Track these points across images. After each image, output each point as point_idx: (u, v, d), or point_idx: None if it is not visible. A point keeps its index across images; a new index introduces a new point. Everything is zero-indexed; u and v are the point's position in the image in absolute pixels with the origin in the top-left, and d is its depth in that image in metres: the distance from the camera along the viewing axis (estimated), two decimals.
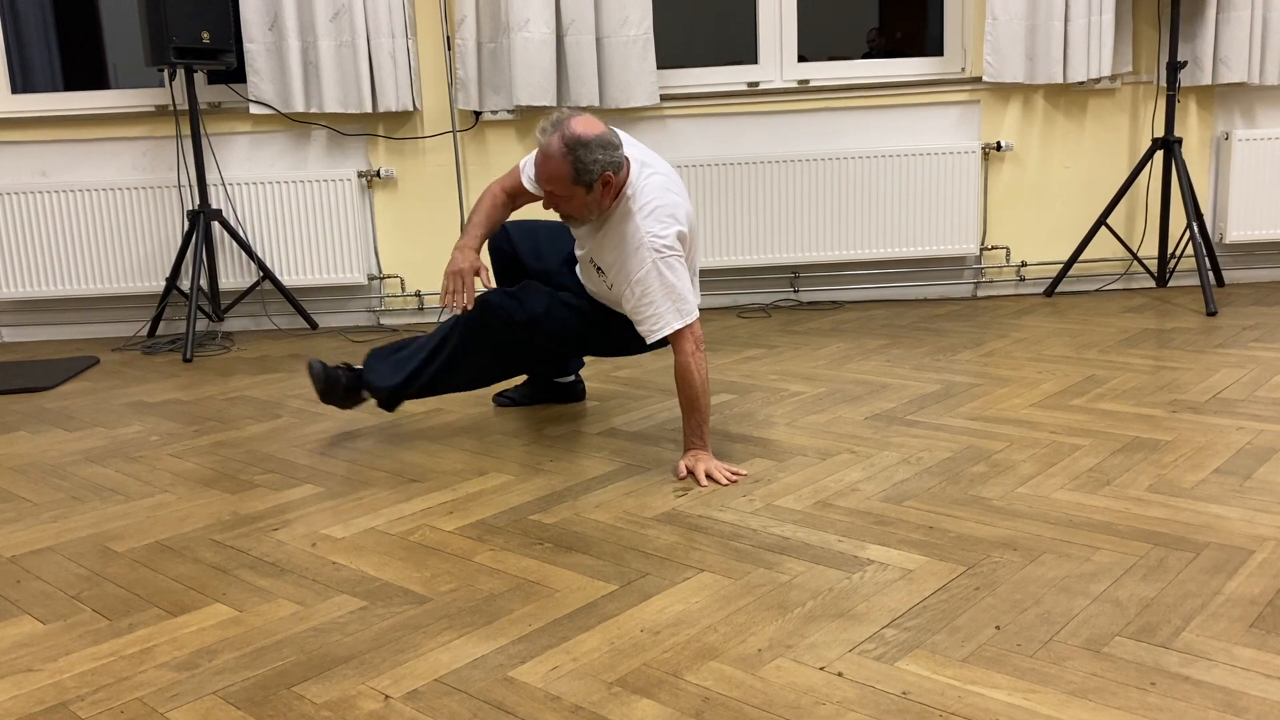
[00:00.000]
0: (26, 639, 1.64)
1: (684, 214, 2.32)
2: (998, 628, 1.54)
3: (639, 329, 2.32)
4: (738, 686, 1.41)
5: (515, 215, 2.65)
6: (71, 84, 5.17)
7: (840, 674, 1.43)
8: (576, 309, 2.53)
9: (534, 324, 2.48)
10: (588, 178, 2.21)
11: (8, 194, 4.20)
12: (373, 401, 2.67)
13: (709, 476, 2.24)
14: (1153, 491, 2.07)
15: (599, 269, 2.39)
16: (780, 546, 1.88)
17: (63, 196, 4.21)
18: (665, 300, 2.25)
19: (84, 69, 5.52)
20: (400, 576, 1.82)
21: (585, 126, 2.22)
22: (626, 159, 2.28)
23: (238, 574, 1.86)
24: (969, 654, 1.47)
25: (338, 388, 2.63)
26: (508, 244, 2.73)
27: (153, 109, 4.25)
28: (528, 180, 2.47)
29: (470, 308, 2.39)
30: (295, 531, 2.06)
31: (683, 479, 2.27)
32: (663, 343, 2.35)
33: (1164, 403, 2.69)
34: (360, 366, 2.65)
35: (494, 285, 2.34)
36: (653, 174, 2.33)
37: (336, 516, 2.13)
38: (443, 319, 2.24)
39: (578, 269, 2.59)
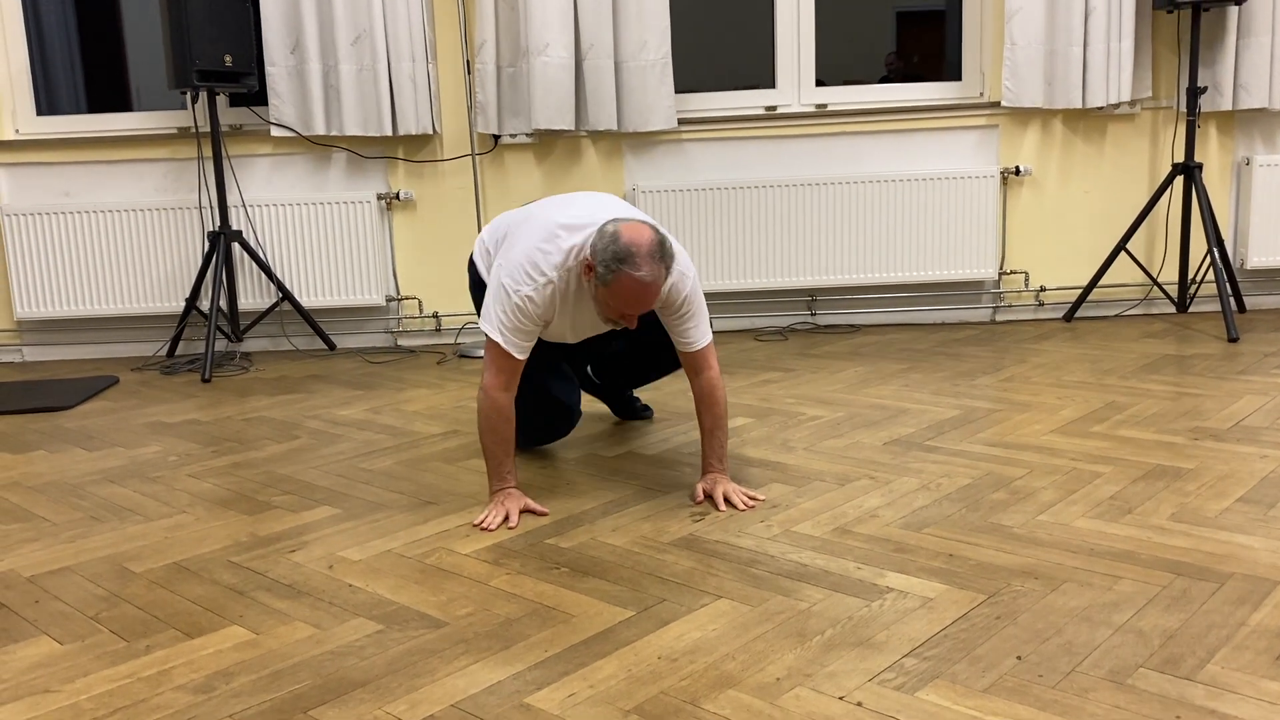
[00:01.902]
0: (44, 660, 1.64)
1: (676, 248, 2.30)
2: (1019, 658, 1.52)
3: (689, 339, 2.28)
4: (756, 716, 1.39)
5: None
6: (95, 106, 5.24)
7: (860, 704, 1.42)
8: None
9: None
10: (673, 266, 2.17)
11: (31, 214, 4.24)
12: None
13: (727, 501, 2.23)
14: (1175, 520, 2.05)
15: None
16: (799, 573, 1.86)
17: (85, 217, 4.25)
18: (702, 314, 2.29)
19: (108, 91, 5.59)
20: (417, 600, 1.81)
21: (641, 233, 2.08)
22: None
23: (255, 596, 1.86)
24: (990, 684, 1.45)
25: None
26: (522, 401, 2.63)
27: (175, 131, 4.29)
28: (527, 341, 2.22)
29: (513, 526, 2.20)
30: (312, 553, 2.06)
31: (699, 503, 2.26)
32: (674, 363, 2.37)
33: (1186, 430, 2.67)
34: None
35: (545, 510, 2.24)
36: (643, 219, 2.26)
37: (353, 538, 2.13)
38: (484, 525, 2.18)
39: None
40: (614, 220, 2.13)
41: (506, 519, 2.18)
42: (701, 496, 2.27)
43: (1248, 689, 1.41)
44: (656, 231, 2.12)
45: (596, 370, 2.96)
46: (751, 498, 2.25)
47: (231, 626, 1.74)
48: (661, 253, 2.09)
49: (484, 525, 2.16)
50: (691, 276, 2.26)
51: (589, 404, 3.20)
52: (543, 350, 2.45)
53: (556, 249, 2.18)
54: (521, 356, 2.21)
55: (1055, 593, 1.74)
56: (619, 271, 2.05)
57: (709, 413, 2.30)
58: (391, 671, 1.56)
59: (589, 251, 2.13)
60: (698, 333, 2.28)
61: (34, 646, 1.69)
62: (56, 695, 1.53)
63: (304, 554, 2.06)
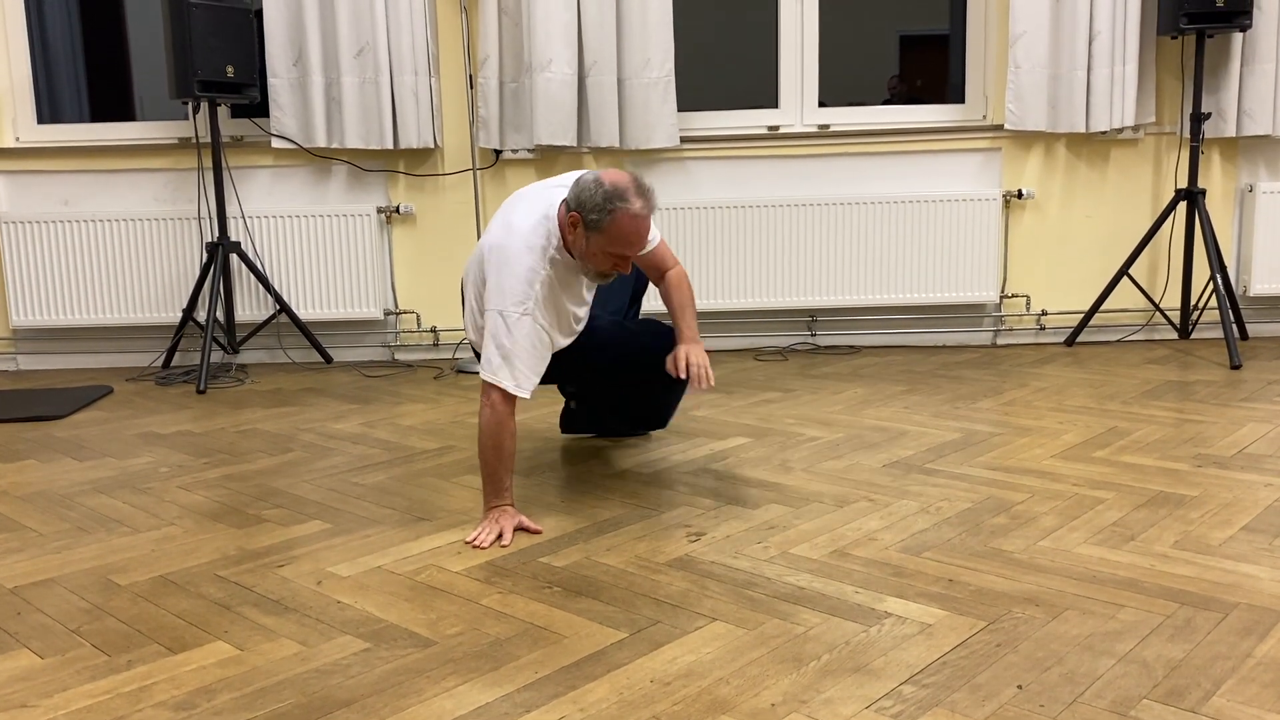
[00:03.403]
0: (24, 673, 1.61)
1: None
2: (1020, 687, 1.49)
3: (660, 250, 2.46)
4: None
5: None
6: (99, 115, 5.23)
7: None
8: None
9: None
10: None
11: (29, 223, 4.22)
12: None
13: (696, 363, 2.30)
14: (1179, 548, 2.02)
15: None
16: (795, 596, 1.83)
17: (83, 226, 4.24)
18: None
19: (111, 100, 5.58)
20: (405, 618, 1.78)
21: (619, 174, 2.16)
22: None
23: (241, 611, 1.82)
24: (990, 714, 1.41)
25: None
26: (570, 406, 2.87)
27: (175, 141, 4.28)
28: (538, 376, 2.21)
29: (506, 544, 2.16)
30: (301, 568, 2.02)
31: (677, 368, 2.31)
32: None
33: (1189, 457, 2.64)
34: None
35: (539, 529, 2.20)
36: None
37: (343, 554, 2.10)
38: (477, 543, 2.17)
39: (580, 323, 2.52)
40: (583, 172, 2.20)
41: (500, 537, 2.14)
42: (682, 360, 2.32)
43: None
44: (636, 174, 2.20)
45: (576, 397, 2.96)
46: (708, 373, 2.31)
47: (216, 642, 1.70)
48: (644, 187, 2.14)
49: (476, 543, 2.13)
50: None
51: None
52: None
53: (539, 231, 2.20)
54: (525, 393, 2.19)
55: (1057, 620, 1.70)
56: (615, 210, 2.10)
57: (677, 293, 2.42)
58: (378, 691, 1.52)
59: (573, 205, 2.15)
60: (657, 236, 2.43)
61: (13, 660, 1.66)
62: (34, 710, 1.49)
63: (292, 569, 2.02)
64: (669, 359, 2.36)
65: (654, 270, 2.49)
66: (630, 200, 2.10)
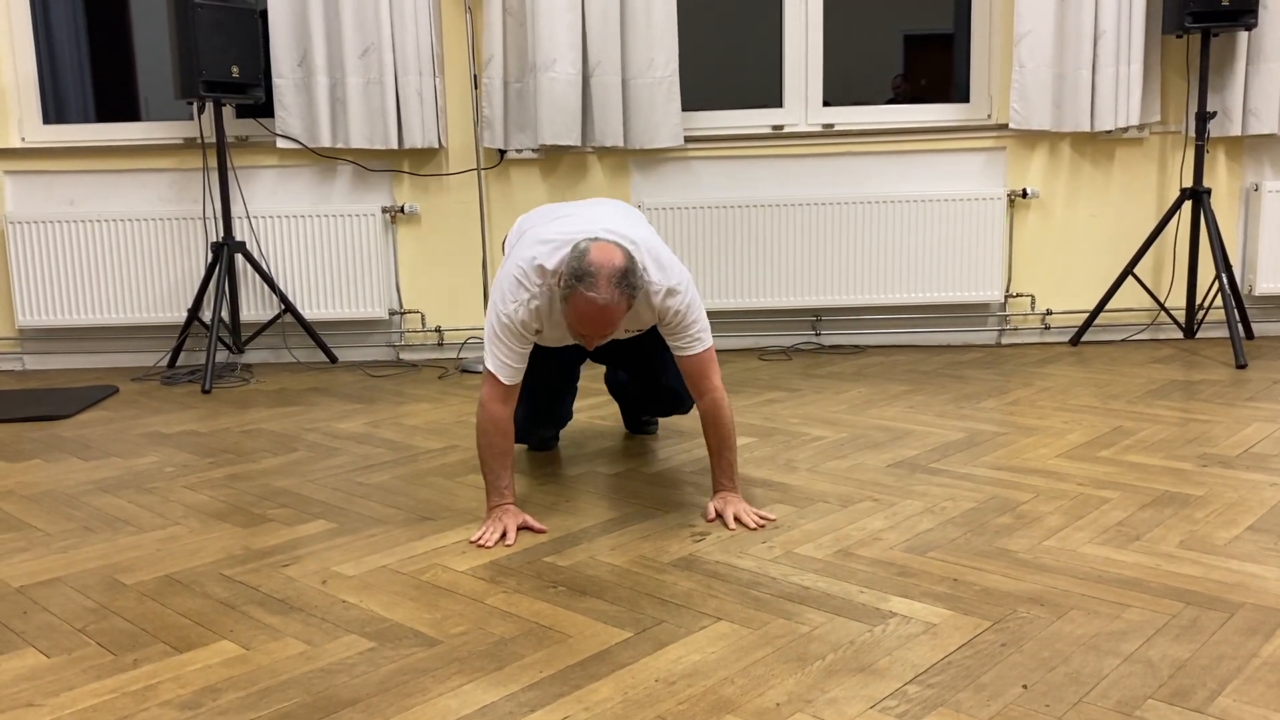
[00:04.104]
0: (29, 673, 1.61)
1: (664, 252, 2.27)
2: (1025, 687, 1.49)
3: (684, 347, 2.25)
4: None
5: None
6: (104, 115, 5.24)
7: None
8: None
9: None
10: (636, 295, 2.11)
11: (36, 223, 4.23)
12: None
13: (737, 520, 2.20)
14: (1184, 548, 2.01)
15: (628, 332, 2.36)
16: (800, 596, 1.83)
17: (89, 226, 4.24)
18: (697, 322, 2.23)
19: (117, 101, 5.59)
20: (410, 617, 1.78)
21: (609, 256, 2.05)
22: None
23: (246, 610, 1.83)
24: (995, 714, 1.41)
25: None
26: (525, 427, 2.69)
27: (181, 141, 4.29)
28: (520, 362, 2.21)
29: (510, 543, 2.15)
30: (306, 568, 2.03)
31: (710, 521, 2.23)
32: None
33: (1194, 456, 2.64)
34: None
35: (543, 528, 2.20)
36: (628, 239, 2.20)
37: (348, 553, 2.10)
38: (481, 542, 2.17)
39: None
40: (591, 238, 2.10)
41: (504, 536, 2.15)
42: (713, 515, 2.24)
43: None
44: (629, 258, 2.07)
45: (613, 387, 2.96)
46: (763, 517, 2.21)
47: (221, 641, 1.71)
48: (623, 278, 2.04)
49: (480, 542, 2.13)
50: (684, 293, 2.21)
51: (589, 421, 3.17)
52: (549, 356, 2.46)
53: (533, 268, 2.16)
54: (511, 381, 2.20)
55: (1062, 620, 1.70)
56: (575, 290, 2.04)
57: (714, 433, 2.27)
58: (383, 691, 1.53)
59: (562, 265, 2.12)
60: (691, 340, 2.24)
61: (20, 659, 1.66)
62: (40, 709, 1.49)
63: (297, 568, 2.03)
64: (710, 506, 2.27)
65: (689, 377, 2.28)
66: (595, 287, 2.02)
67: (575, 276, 2.04)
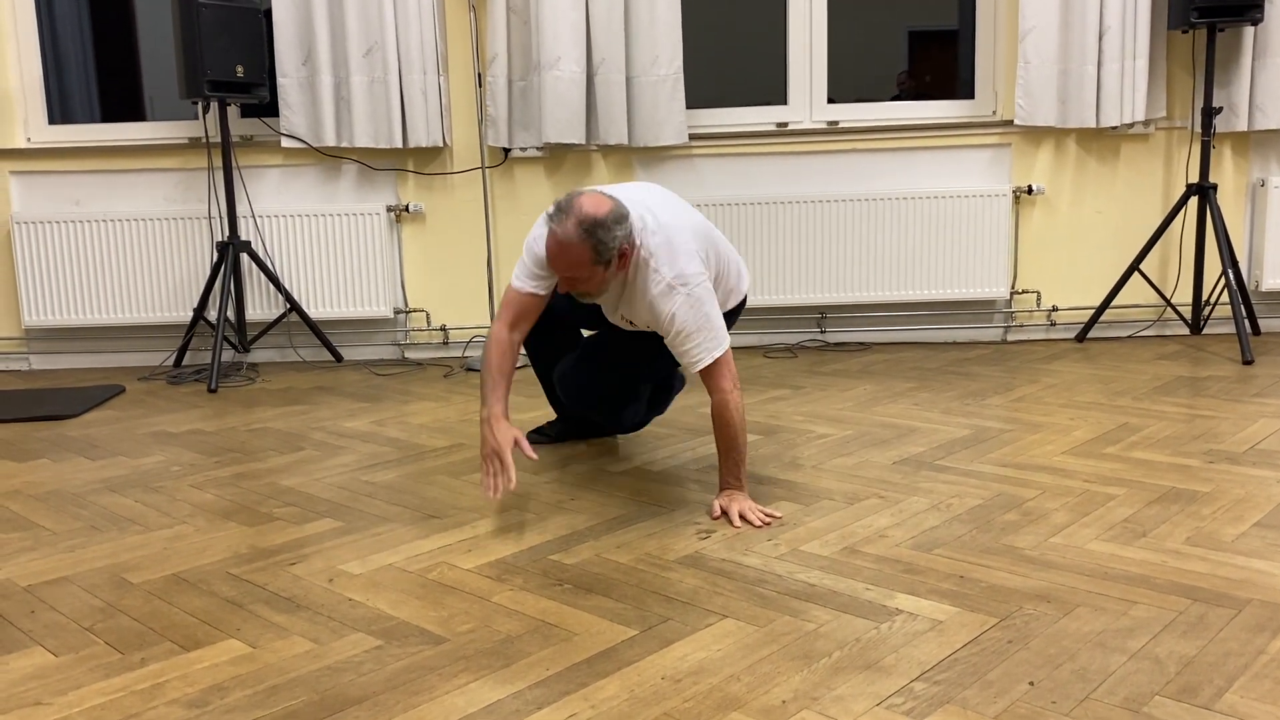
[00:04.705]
0: (37, 671, 1.62)
1: (697, 243, 2.30)
2: (1031, 684, 1.48)
3: (683, 361, 2.29)
4: None
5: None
6: (109, 115, 5.25)
7: None
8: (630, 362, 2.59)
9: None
10: (607, 256, 2.16)
11: (42, 223, 4.24)
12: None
13: (742, 518, 2.20)
14: (1191, 544, 2.01)
15: (630, 322, 2.39)
16: (806, 594, 1.83)
17: (95, 226, 4.25)
18: (700, 332, 2.23)
19: (122, 101, 5.61)
20: (417, 615, 1.78)
21: (595, 205, 2.15)
22: (633, 225, 2.23)
23: (253, 609, 1.83)
24: (1001, 711, 1.41)
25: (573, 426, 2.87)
26: (535, 349, 2.79)
27: (186, 141, 4.29)
28: (534, 281, 2.33)
29: (513, 487, 2.19)
30: (312, 566, 2.03)
31: (715, 519, 2.23)
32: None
33: (1200, 452, 2.63)
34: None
35: (533, 454, 2.22)
36: (655, 227, 2.26)
37: (354, 552, 2.11)
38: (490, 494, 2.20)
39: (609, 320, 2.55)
40: (606, 192, 2.21)
41: (506, 477, 2.17)
42: (718, 512, 2.24)
43: None
44: (614, 217, 2.14)
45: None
46: (768, 515, 2.21)
47: (228, 640, 1.71)
48: (593, 227, 2.12)
49: (488, 492, 2.18)
50: (686, 298, 2.21)
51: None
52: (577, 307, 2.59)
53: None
54: (518, 285, 2.34)
55: (1068, 617, 1.70)
56: (549, 221, 2.17)
57: (720, 433, 2.28)
58: (390, 688, 1.53)
59: None
60: (694, 354, 2.25)
61: (28, 658, 1.67)
62: (48, 708, 1.50)
63: (304, 567, 2.03)
64: (715, 503, 2.28)
65: (703, 381, 2.31)
66: (562, 224, 2.13)
67: (554, 209, 2.16)
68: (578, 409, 2.75)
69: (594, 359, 2.64)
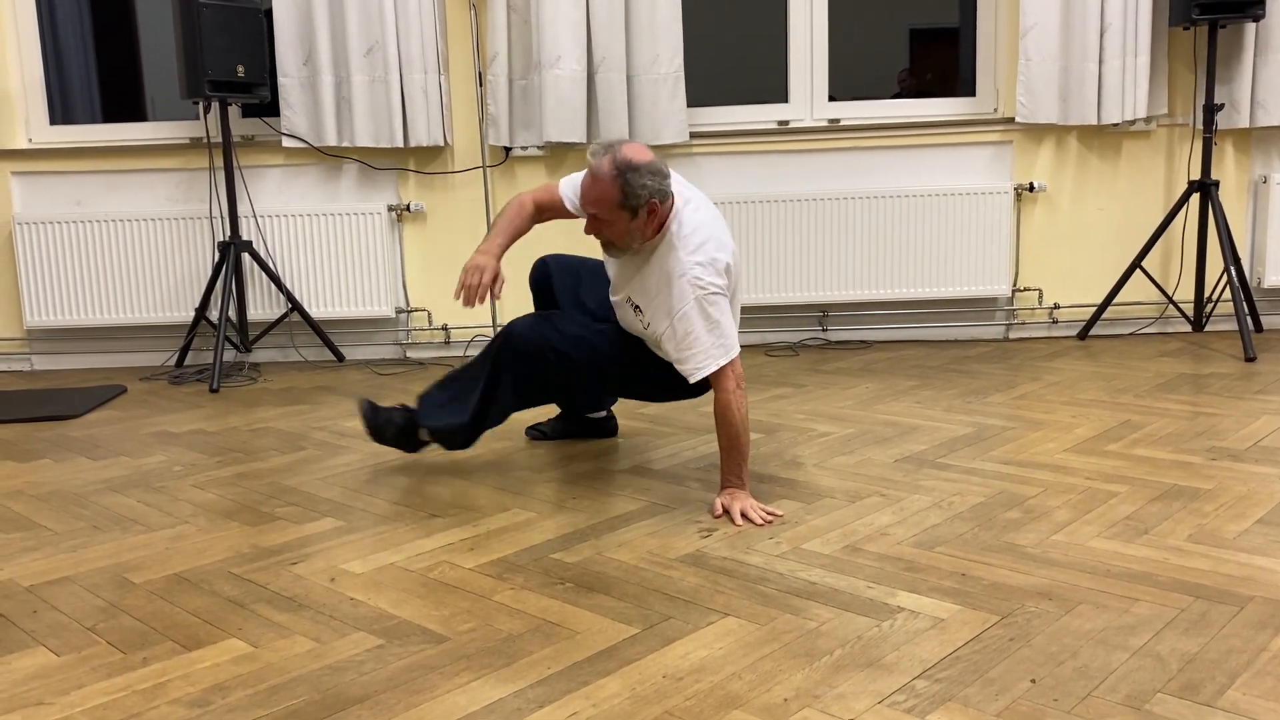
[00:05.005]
0: (39, 671, 1.62)
1: (729, 249, 2.29)
2: (1033, 681, 1.48)
3: (680, 368, 2.29)
4: None
5: (558, 248, 2.64)
6: (110, 115, 5.25)
7: None
8: (613, 343, 2.49)
9: (568, 354, 2.45)
10: (634, 202, 2.19)
11: (42, 223, 4.24)
12: (434, 445, 2.67)
13: (744, 516, 2.20)
14: (1193, 541, 2.01)
15: (637, 307, 2.35)
16: (808, 592, 1.83)
17: (96, 226, 4.26)
18: (708, 337, 2.23)
19: (122, 101, 5.61)
20: (418, 614, 1.78)
21: (636, 152, 2.21)
22: (672, 192, 2.27)
23: (254, 608, 1.83)
24: (1003, 708, 1.41)
25: (389, 429, 2.64)
26: (547, 282, 2.71)
27: (187, 141, 4.30)
28: (569, 200, 2.45)
29: (484, 302, 2.36)
30: (314, 566, 2.03)
31: (717, 517, 2.23)
32: (703, 385, 2.34)
33: (1203, 450, 2.63)
34: (415, 407, 2.65)
35: (501, 298, 2.35)
36: (697, 209, 2.30)
37: (356, 551, 2.11)
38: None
39: (615, 311, 2.54)
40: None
41: (486, 287, 2.31)
42: (719, 511, 2.24)
43: (1270, 716, 1.37)
44: (652, 168, 2.19)
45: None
46: (769, 513, 2.21)
47: (230, 639, 1.71)
48: (629, 170, 2.17)
49: (461, 295, 2.33)
50: (684, 313, 2.21)
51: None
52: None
53: None
54: (562, 186, 2.46)
55: (1070, 614, 1.70)
56: (590, 156, 2.22)
57: (722, 432, 2.27)
58: (391, 687, 1.53)
59: None
60: (692, 363, 2.25)
61: (30, 657, 1.67)
62: (50, 708, 1.50)
63: (306, 566, 2.03)
64: (717, 502, 2.27)
65: (710, 379, 2.30)
66: (600, 158, 2.20)
67: (599, 145, 2.21)
68: (527, 366, 2.54)
69: (593, 358, 2.62)
